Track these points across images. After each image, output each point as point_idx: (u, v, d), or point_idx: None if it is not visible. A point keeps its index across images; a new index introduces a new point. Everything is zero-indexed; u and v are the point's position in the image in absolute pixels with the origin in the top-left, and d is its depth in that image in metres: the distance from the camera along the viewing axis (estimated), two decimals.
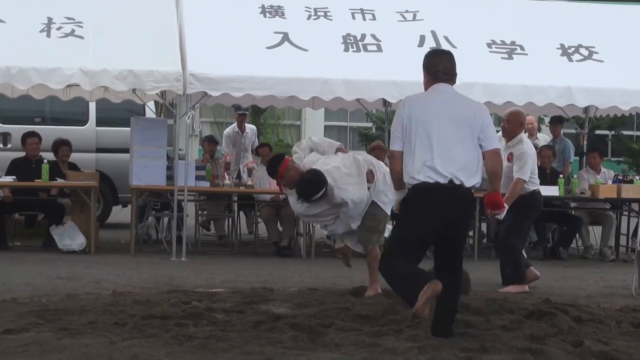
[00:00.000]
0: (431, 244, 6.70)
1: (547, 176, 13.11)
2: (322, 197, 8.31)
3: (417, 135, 6.52)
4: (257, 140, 15.38)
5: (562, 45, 12.94)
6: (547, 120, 18.95)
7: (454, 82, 6.91)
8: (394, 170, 6.72)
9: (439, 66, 6.89)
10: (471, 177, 6.52)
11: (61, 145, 12.98)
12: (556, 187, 12.72)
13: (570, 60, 12.79)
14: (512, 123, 10.06)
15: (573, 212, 13.41)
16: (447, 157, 6.46)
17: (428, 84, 6.91)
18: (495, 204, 6.91)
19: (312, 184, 8.30)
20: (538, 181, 10.10)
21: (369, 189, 8.59)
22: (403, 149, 6.59)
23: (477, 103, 7.02)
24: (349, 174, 8.49)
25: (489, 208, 7.00)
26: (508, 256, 9.86)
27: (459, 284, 6.66)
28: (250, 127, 15.50)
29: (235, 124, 15.29)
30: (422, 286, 6.11)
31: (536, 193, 9.96)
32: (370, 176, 8.68)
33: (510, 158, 9.82)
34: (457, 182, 6.45)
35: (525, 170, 9.71)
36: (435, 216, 6.44)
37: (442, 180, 6.41)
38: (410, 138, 6.55)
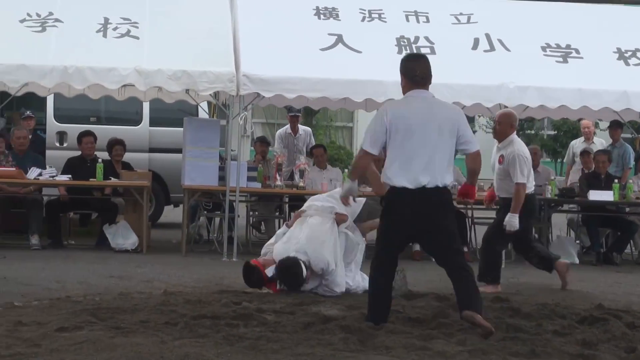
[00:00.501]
0: (409, 242, 7.51)
1: (601, 181, 13.02)
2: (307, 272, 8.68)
3: (399, 141, 6.93)
4: (312, 141, 15.37)
5: (618, 49, 12.81)
6: (601, 124, 18.82)
7: (429, 86, 7.27)
8: (361, 167, 7.29)
9: (417, 71, 7.22)
10: (446, 178, 6.97)
11: (115, 145, 13.11)
12: (611, 192, 12.60)
13: (627, 64, 12.66)
14: (503, 124, 10.04)
15: (628, 217, 13.27)
16: (428, 163, 6.90)
17: (406, 88, 7.23)
18: (467, 194, 7.54)
19: (290, 273, 8.72)
20: (533, 184, 10.08)
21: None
22: (376, 154, 7.10)
23: (453, 107, 7.54)
24: (320, 240, 8.87)
25: (460, 196, 7.73)
26: (487, 254, 9.90)
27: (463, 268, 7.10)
28: (304, 129, 15.49)
29: (288, 126, 15.32)
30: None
31: (529, 197, 9.80)
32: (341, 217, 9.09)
33: (501, 160, 9.78)
34: (432, 186, 6.89)
35: (522, 173, 9.65)
36: (410, 217, 6.93)
37: (417, 185, 6.88)
38: (393, 143, 6.94)
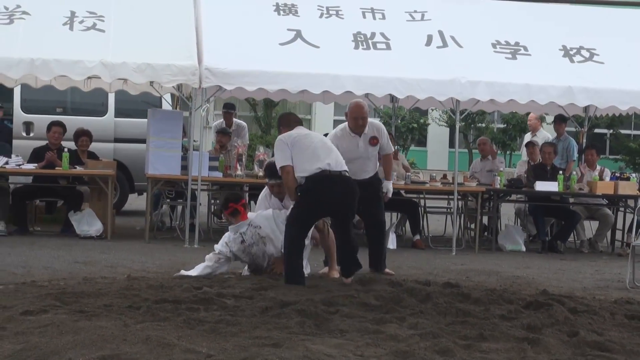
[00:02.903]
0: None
1: (547, 172, 13.13)
2: None
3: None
4: (245, 135, 15.04)
5: (564, 47, 12.90)
6: (547, 118, 18.99)
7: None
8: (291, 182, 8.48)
9: (292, 119, 8.98)
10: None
11: (81, 136, 13.00)
12: (556, 183, 12.72)
13: (572, 61, 12.76)
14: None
15: (571, 207, 13.40)
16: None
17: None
18: None
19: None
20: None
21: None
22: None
23: None
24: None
25: None
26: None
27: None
28: (238, 123, 14.97)
29: (222, 120, 14.96)
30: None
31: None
32: None
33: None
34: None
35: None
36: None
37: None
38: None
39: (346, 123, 9.59)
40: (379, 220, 9.68)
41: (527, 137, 15.70)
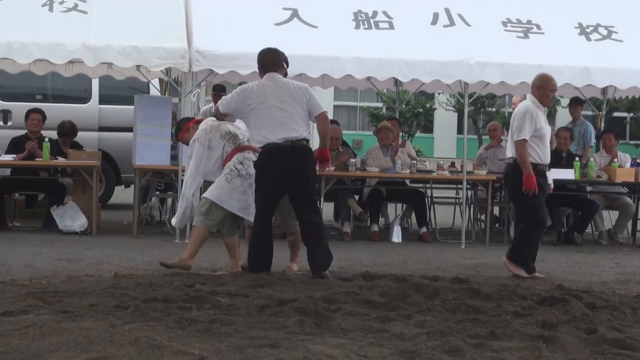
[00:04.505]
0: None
1: (563, 159, 13.12)
2: None
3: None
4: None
5: (580, 24, 12.91)
6: (563, 101, 19.01)
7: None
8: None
9: (265, 60, 8.87)
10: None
11: (64, 136, 12.99)
12: (572, 171, 12.71)
13: (589, 39, 12.77)
14: None
15: (589, 196, 13.41)
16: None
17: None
18: (323, 158, 8.85)
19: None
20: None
21: None
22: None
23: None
24: None
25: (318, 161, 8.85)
26: None
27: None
28: None
29: (212, 104, 14.99)
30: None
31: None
32: None
33: None
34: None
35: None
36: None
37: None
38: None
39: None
40: None
41: None
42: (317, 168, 8.94)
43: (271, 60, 8.84)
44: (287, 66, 8.99)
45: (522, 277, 9.33)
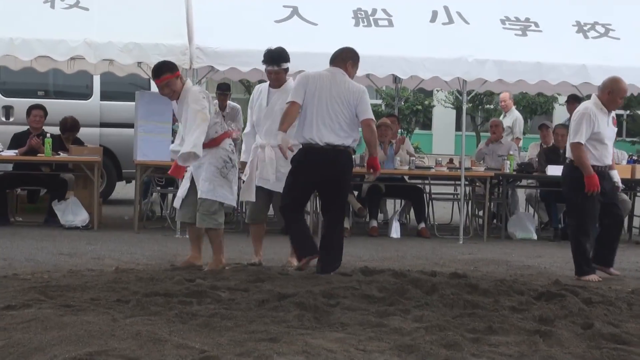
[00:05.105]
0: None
1: (560, 156, 13.12)
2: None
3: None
4: (240, 117, 15.05)
5: (577, 22, 12.91)
6: (560, 99, 19.01)
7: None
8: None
9: (334, 54, 8.77)
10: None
11: (67, 131, 12.99)
12: None
13: (586, 37, 12.77)
14: None
15: None
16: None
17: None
18: (374, 167, 8.60)
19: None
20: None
21: None
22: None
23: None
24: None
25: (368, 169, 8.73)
26: None
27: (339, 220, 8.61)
28: (232, 106, 15.03)
29: (216, 102, 14.95)
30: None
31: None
32: None
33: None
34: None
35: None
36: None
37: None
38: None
39: None
40: None
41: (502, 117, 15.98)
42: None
43: (342, 56, 8.66)
44: (356, 68, 8.73)
45: (594, 280, 9.14)
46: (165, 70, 8.51)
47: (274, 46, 9.17)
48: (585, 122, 9.20)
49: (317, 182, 8.51)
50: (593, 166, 9.21)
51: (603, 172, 9.33)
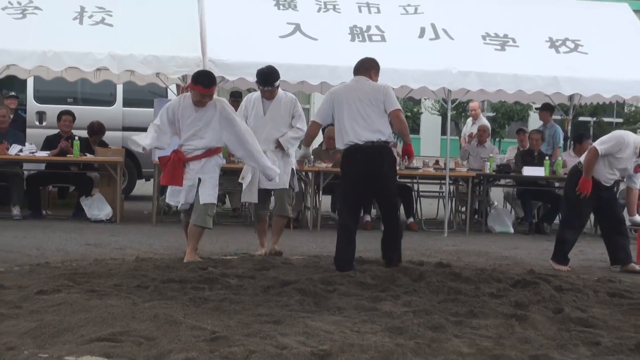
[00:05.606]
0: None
1: (534, 158, 13.14)
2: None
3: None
4: None
5: (550, 39, 12.91)
6: (534, 106, 19.02)
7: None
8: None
9: (357, 65, 8.50)
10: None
11: (94, 135, 12.99)
12: (542, 168, 12.74)
13: (558, 52, 12.76)
14: None
15: (557, 191, 13.41)
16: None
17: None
18: (408, 153, 8.34)
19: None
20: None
21: None
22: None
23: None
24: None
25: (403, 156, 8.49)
26: None
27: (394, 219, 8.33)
28: None
29: None
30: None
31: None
32: None
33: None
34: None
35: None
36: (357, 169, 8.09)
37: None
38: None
39: None
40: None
41: (469, 123, 15.97)
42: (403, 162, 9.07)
43: (365, 66, 8.43)
44: (377, 76, 8.49)
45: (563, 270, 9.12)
46: (215, 83, 8.39)
47: (278, 60, 9.16)
48: (616, 142, 9.09)
49: (364, 177, 8.05)
50: (593, 177, 9.16)
51: (599, 185, 9.24)
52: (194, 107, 8.26)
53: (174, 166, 8.26)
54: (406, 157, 8.44)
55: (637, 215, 9.53)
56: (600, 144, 9.16)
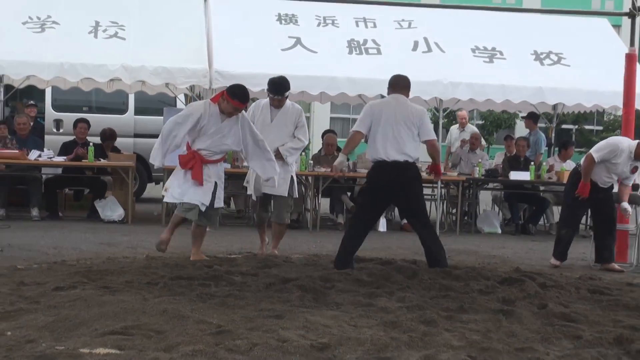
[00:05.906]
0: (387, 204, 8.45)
1: (521, 163, 13.14)
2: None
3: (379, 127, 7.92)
4: None
5: (535, 52, 12.93)
6: (521, 114, 19.01)
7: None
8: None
9: (395, 82, 8.33)
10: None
11: (107, 140, 13.00)
12: (528, 173, 12.73)
13: (542, 64, 12.78)
14: None
15: (542, 194, 13.42)
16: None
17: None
18: (436, 171, 8.23)
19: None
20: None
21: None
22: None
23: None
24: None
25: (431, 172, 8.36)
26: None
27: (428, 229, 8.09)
28: None
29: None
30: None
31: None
32: None
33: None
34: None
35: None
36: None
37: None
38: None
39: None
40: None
41: (455, 129, 15.95)
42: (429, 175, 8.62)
43: (402, 84, 8.26)
44: (409, 90, 8.37)
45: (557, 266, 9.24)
46: (249, 98, 8.33)
47: (280, 71, 9.11)
48: (610, 150, 9.07)
49: (389, 191, 7.96)
50: (591, 180, 9.18)
51: (597, 187, 9.24)
52: (221, 116, 8.12)
53: (198, 165, 8.17)
54: (433, 173, 8.31)
55: (625, 203, 9.50)
56: (596, 152, 9.15)
